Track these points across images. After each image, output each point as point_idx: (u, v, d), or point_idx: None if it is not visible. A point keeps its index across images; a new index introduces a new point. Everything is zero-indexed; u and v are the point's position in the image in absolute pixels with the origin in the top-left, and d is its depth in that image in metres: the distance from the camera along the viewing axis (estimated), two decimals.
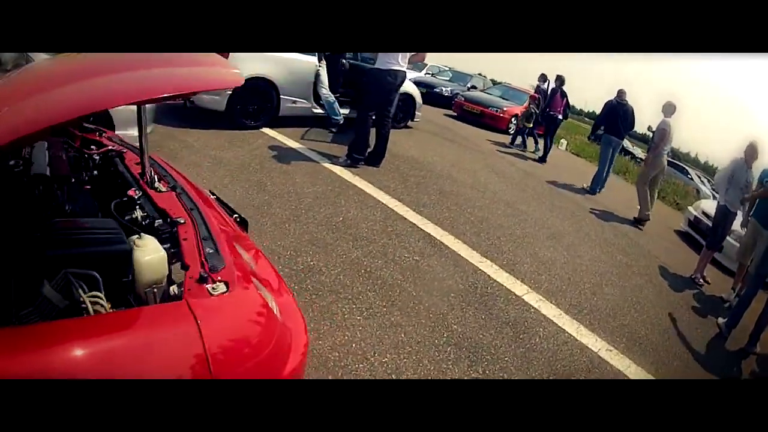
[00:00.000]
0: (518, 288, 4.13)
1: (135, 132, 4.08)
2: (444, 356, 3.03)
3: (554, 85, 10.71)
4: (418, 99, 9.35)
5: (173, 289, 1.49)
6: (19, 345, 1.12)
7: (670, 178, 17.65)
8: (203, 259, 1.60)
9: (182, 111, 6.91)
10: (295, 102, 7.22)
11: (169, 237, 1.77)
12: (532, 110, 11.45)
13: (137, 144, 4.35)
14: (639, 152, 20.63)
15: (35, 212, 1.74)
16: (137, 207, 1.90)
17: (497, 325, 3.50)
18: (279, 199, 4.70)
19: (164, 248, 1.57)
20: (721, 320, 4.89)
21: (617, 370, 3.50)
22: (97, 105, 1.55)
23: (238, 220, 2.52)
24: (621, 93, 9.07)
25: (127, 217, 1.84)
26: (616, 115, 8.94)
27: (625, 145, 20.91)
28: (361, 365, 2.77)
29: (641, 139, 25.88)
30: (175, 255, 1.65)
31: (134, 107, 4.25)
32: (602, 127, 9.39)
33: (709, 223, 7.41)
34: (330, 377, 2.61)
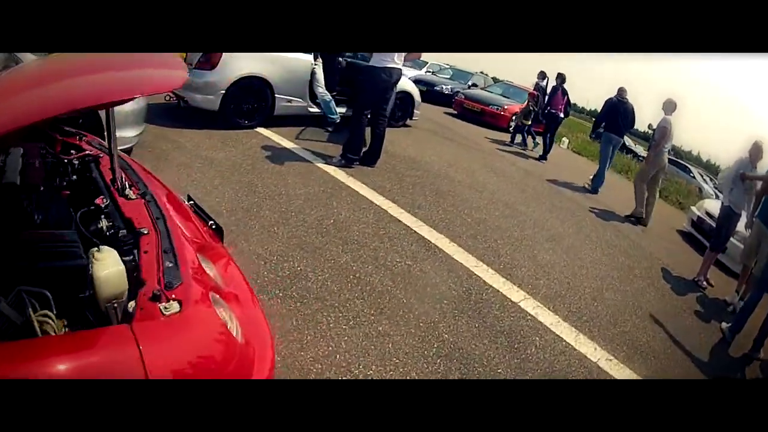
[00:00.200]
0: (515, 294, 3.97)
1: (126, 134, 4.42)
2: (433, 368, 2.88)
3: (555, 83, 10.55)
4: (417, 97, 9.18)
5: (131, 305, 1.40)
6: None
7: (673, 176, 17.49)
8: (160, 275, 1.52)
9: (176, 111, 6.83)
10: (290, 101, 7.10)
11: (131, 249, 1.68)
12: (531, 107, 11.29)
13: (127, 145, 4.28)
14: (641, 150, 20.43)
15: (1, 224, 1.67)
16: (103, 216, 1.83)
17: (491, 335, 3.34)
18: (269, 201, 4.57)
19: (126, 260, 1.52)
20: (724, 325, 4.74)
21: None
22: (27, 118, 1.44)
23: (213, 227, 2.38)
24: (621, 91, 8.96)
25: (92, 227, 1.77)
26: (617, 113, 8.83)
27: (627, 144, 20.79)
28: (343, 378, 2.64)
29: (643, 138, 25.74)
30: (135, 268, 1.57)
31: (124, 108, 4.25)
32: (603, 125, 9.24)
33: (713, 224, 7.28)
34: None
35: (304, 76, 7.15)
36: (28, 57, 4.27)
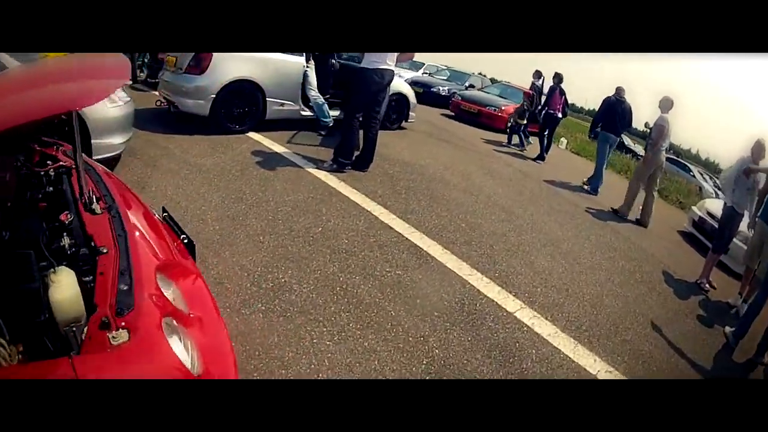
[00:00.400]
0: (510, 304, 3.79)
1: (113, 140, 4.43)
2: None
3: (552, 83, 10.40)
4: (412, 99, 9.05)
5: (87, 330, 1.32)
6: None
7: (673, 176, 17.36)
8: (113, 299, 1.42)
9: (166, 116, 6.84)
10: (282, 104, 7.03)
11: (90, 269, 1.60)
12: (525, 107, 11.15)
13: (114, 152, 4.30)
14: (640, 150, 20.28)
15: None
16: (65, 234, 1.74)
17: (485, 348, 3.17)
18: (256, 209, 4.44)
19: (86, 281, 1.49)
20: (728, 329, 4.59)
21: None
22: None
23: (185, 241, 2.25)
24: (620, 90, 8.87)
25: (55, 245, 1.69)
26: (614, 113, 8.76)
27: (626, 143, 20.65)
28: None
29: (642, 136, 25.59)
30: (92, 291, 1.49)
31: (110, 114, 4.27)
32: (600, 125, 9.12)
33: (714, 224, 7.16)
34: None
35: (296, 78, 7.06)
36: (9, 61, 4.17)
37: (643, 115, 8.82)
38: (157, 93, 7.40)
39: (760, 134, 5.53)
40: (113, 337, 1.26)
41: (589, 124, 10.48)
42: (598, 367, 3.34)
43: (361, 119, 5.77)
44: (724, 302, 5.54)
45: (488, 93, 14.95)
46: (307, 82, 7.13)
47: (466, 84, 16.95)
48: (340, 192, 5.19)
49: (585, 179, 9.22)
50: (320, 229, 4.27)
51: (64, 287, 1.36)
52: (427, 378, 2.79)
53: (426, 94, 14.94)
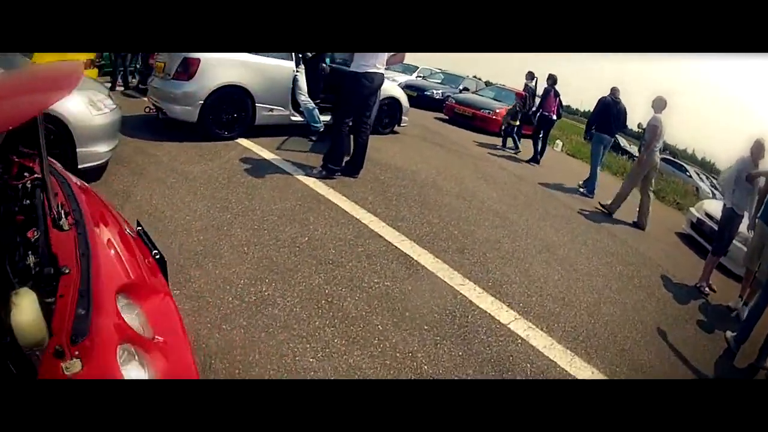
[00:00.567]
0: (504, 314, 3.64)
1: (98, 149, 4.35)
2: None
3: (546, 85, 10.29)
4: (405, 103, 8.92)
5: (42, 358, 1.28)
6: None
7: (669, 176, 17.31)
8: (69, 325, 1.34)
9: (155, 123, 6.75)
10: (271, 110, 6.93)
11: (52, 290, 1.51)
12: (517, 108, 11.04)
13: (100, 161, 4.27)
14: (636, 151, 20.27)
15: None
16: (30, 252, 1.67)
17: (476, 364, 3.01)
18: (241, 218, 4.31)
19: (49, 302, 1.42)
20: (729, 334, 4.45)
21: None
22: None
23: (157, 257, 2.13)
24: (615, 91, 8.80)
25: (21, 264, 1.63)
26: (609, 113, 8.68)
27: (621, 144, 20.61)
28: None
29: (637, 137, 25.61)
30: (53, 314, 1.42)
31: (94, 121, 4.19)
32: (594, 126, 9.04)
33: (713, 226, 7.08)
34: None
35: (285, 83, 6.97)
36: None
37: (638, 116, 8.74)
38: (147, 99, 7.28)
39: (759, 134, 5.41)
40: (66, 367, 1.19)
41: (584, 125, 10.37)
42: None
43: (351, 124, 5.64)
44: (725, 306, 5.41)
45: (483, 96, 14.85)
46: (297, 86, 7.02)
47: (460, 87, 16.84)
48: (328, 199, 5.06)
49: (581, 182, 9.09)
50: (307, 238, 4.13)
51: (26, 310, 1.30)
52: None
53: (420, 97, 14.84)
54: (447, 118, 13.79)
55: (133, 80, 10.43)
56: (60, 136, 4.12)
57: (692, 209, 8.31)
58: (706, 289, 5.60)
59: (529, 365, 3.14)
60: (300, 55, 7.24)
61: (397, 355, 2.91)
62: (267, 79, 6.77)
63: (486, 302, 3.74)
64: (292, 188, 5.21)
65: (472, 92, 15.89)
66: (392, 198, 5.49)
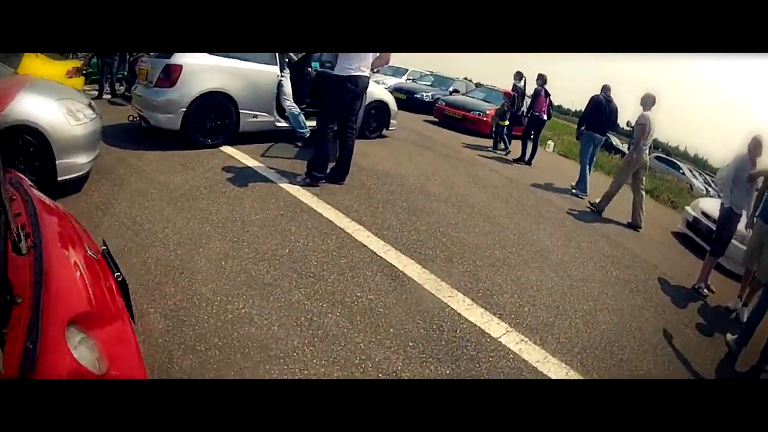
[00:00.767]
0: (494, 327, 3.44)
1: (78, 160, 4.30)
2: None
3: (536, 85, 10.14)
4: (393, 106, 8.77)
5: None
6: None
7: (662, 174, 17.24)
8: (17, 361, 1.28)
9: (139, 132, 6.69)
10: (256, 116, 6.83)
11: (5, 320, 1.43)
12: (506, 107, 10.90)
13: (80, 173, 4.24)
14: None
15: None
16: None
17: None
18: (221, 230, 4.15)
19: (2, 333, 1.34)
20: (730, 337, 4.33)
21: None
22: None
23: (119, 280, 2.00)
24: (607, 89, 8.68)
25: None
26: (602, 112, 8.57)
27: (614, 143, 20.55)
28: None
29: (629, 136, 25.65)
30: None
31: (73, 132, 4.20)
32: (585, 124, 8.92)
33: (710, 224, 6.98)
34: None
35: (270, 89, 6.85)
36: None
37: (629, 115, 8.61)
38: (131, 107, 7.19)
39: (755, 131, 5.26)
40: None
41: (576, 125, 10.22)
42: None
43: (336, 129, 5.46)
44: (724, 307, 5.26)
45: (473, 97, 14.71)
46: (281, 92, 6.90)
47: (450, 89, 16.73)
48: (312, 208, 4.87)
49: (573, 183, 8.93)
50: (287, 250, 3.95)
51: None
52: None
53: (409, 100, 14.72)
54: (437, 120, 13.66)
55: (121, 87, 10.32)
56: (39, 148, 4.04)
57: (688, 208, 8.16)
58: (705, 290, 5.45)
59: None
60: (286, 60, 7.11)
61: (380, 375, 2.72)
62: (251, 84, 6.64)
63: (475, 315, 3.54)
64: (275, 197, 5.03)
65: (462, 94, 15.75)
66: (378, 205, 5.30)
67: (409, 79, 18.22)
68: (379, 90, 8.68)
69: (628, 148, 8.16)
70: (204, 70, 6.21)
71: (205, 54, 6.22)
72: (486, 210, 6.08)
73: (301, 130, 7.07)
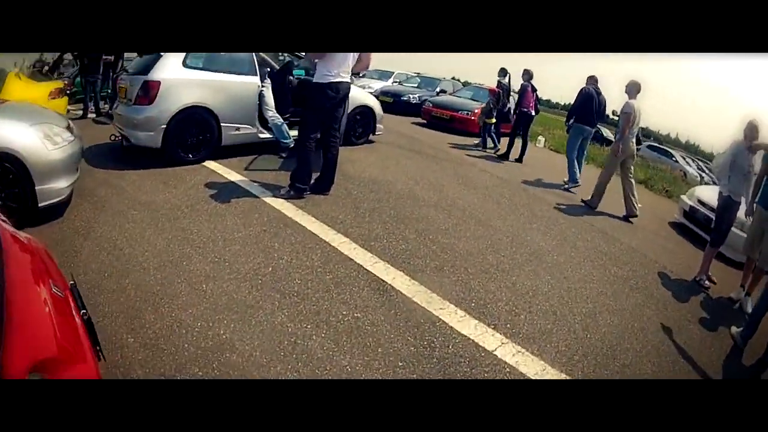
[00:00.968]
0: (489, 340, 3.26)
1: (57, 185, 4.22)
2: None
3: (523, 81, 10.00)
4: (378, 110, 8.60)
5: None
6: None
7: (655, 163, 17.13)
8: None
9: (121, 151, 6.61)
10: (238, 129, 6.70)
11: None
12: (491, 105, 10.76)
13: (59, 198, 4.25)
14: None
15: None
16: None
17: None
18: (202, 250, 4.00)
19: None
20: (734, 330, 4.18)
21: None
22: None
23: (85, 318, 1.94)
24: (594, 80, 8.52)
25: None
26: (592, 104, 8.42)
27: (605, 135, 20.47)
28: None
29: (617, 125, 25.64)
30: None
31: (50, 156, 4.12)
32: (574, 117, 8.78)
33: (707, 213, 6.88)
34: None
35: (251, 100, 6.74)
36: None
37: (618, 106, 8.47)
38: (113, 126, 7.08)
39: (749, 116, 5.11)
40: None
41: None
42: None
43: (318, 138, 5.30)
44: (726, 297, 5.13)
45: (460, 97, 14.56)
46: (263, 102, 6.79)
47: (437, 90, 16.57)
48: (296, 222, 4.70)
49: (566, 179, 8.78)
50: (270, 269, 3.79)
51: None
52: None
53: (396, 103, 14.58)
54: (425, 122, 13.49)
55: (105, 106, 10.21)
56: (17, 175, 3.98)
57: (684, 197, 8.01)
58: (706, 282, 5.31)
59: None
60: (267, 69, 6.97)
61: None
62: (231, 96, 6.52)
63: (469, 327, 3.36)
64: (258, 212, 4.87)
65: (450, 94, 15.60)
66: (365, 214, 5.13)
67: (396, 82, 18.06)
68: (362, 95, 8.52)
69: (614, 137, 8.00)
70: (183, 85, 6.08)
71: (183, 68, 6.11)
72: (477, 212, 5.92)
73: (285, 141, 6.93)
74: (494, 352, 3.13)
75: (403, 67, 21.32)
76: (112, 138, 6.78)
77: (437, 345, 3.11)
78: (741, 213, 5.33)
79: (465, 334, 3.26)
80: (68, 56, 12.86)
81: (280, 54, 7.90)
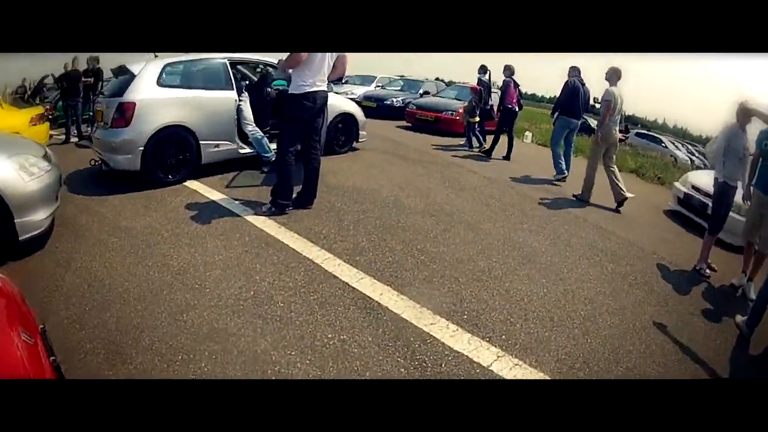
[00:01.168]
0: (484, 354, 3.07)
1: (36, 216, 4.13)
2: None
3: (504, 77, 9.89)
4: (360, 117, 8.45)
5: None
6: None
7: (645, 151, 17.05)
8: None
9: (100, 176, 6.49)
10: (218, 146, 6.57)
11: None
12: (473, 103, 10.64)
13: (38, 230, 4.17)
14: None
15: None
16: None
17: None
18: (182, 277, 3.84)
19: None
20: (739, 318, 4.04)
21: None
22: None
23: (54, 365, 1.89)
24: (577, 71, 8.39)
25: None
26: (576, 96, 8.32)
27: (593, 126, 20.43)
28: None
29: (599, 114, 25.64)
30: None
31: (27, 187, 4.04)
32: (560, 110, 8.66)
33: (702, 198, 6.79)
34: None
35: (229, 115, 6.59)
36: None
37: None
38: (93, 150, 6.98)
39: (740, 98, 4.98)
40: None
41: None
42: None
43: (298, 150, 5.13)
44: (728, 285, 5.00)
45: (443, 97, 14.43)
46: (242, 116, 6.66)
47: (421, 91, 16.43)
48: (278, 240, 4.53)
49: (554, 173, 8.65)
50: (252, 293, 3.61)
51: None
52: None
53: (380, 108, 14.42)
54: (410, 125, 13.34)
55: (88, 129, 10.09)
56: None
57: (677, 184, 7.89)
58: (707, 270, 5.19)
59: None
60: (245, 83, 6.83)
61: None
62: (208, 113, 6.38)
63: (462, 342, 3.18)
64: (239, 231, 4.70)
65: (433, 95, 15.46)
66: (349, 227, 4.95)
67: (378, 86, 17.91)
68: (343, 102, 8.36)
69: (596, 126, 7.88)
70: (158, 105, 5.96)
71: (158, 87, 6.01)
72: (466, 216, 5.74)
73: (266, 155, 6.79)
74: (490, 368, 2.95)
75: (384, 70, 21.23)
76: (92, 162, 6.67)
77: (429, 364, 2.93)
78: (738, 197, 5.21)
79: (458, 350, 3.08)
80: (49, 80, 12.73)
81: (256, 66, 7.75)
